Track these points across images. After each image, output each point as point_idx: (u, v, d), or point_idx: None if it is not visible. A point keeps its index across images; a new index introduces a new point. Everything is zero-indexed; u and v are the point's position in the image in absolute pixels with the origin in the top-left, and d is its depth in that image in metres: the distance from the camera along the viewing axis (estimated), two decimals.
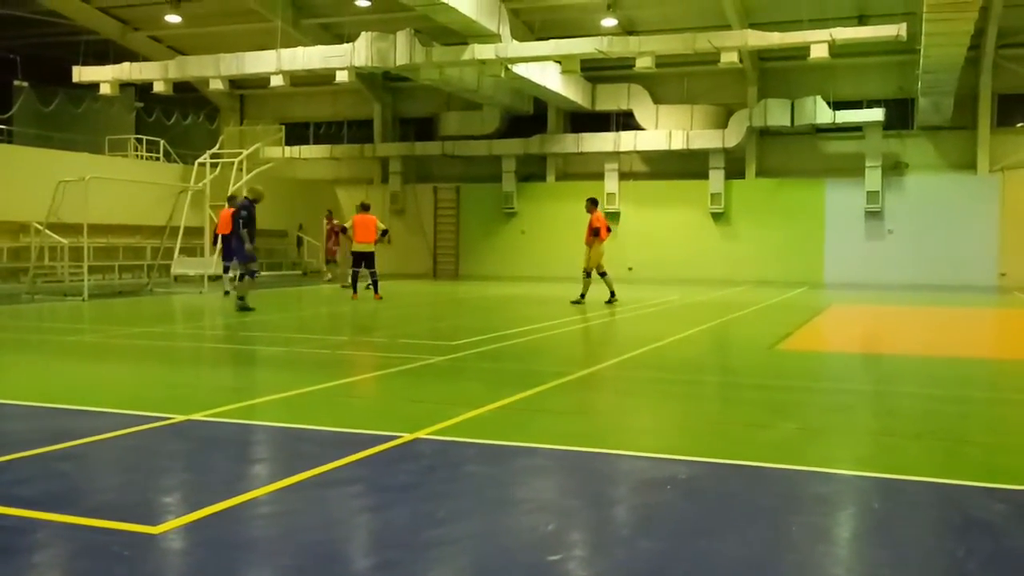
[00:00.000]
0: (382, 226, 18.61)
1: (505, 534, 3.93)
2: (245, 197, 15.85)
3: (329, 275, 25.45)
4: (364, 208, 18.77)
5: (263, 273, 26.76)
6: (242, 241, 15.17)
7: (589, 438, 5.87)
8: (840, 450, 5.66)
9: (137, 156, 28.24)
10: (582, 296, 17.15)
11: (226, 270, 19.58)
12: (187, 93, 29.98)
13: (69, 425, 5.98)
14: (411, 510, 4.15)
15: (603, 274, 17.18)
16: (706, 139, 28.66)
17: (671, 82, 29.51)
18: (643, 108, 29.51)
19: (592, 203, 17.43)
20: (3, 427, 6.23)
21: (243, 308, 14.99)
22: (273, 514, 4.19)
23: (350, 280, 19.24)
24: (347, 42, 22.76)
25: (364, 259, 18.53)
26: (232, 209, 17.85)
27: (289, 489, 4.49)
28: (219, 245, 20.42)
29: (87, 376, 8.66)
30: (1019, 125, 27.38)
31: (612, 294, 17.08)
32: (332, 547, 3.75)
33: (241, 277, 15.78)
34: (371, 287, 18.26)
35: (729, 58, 21.00)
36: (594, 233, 16.98)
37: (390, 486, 4.60)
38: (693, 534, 3.92)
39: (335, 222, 25.11)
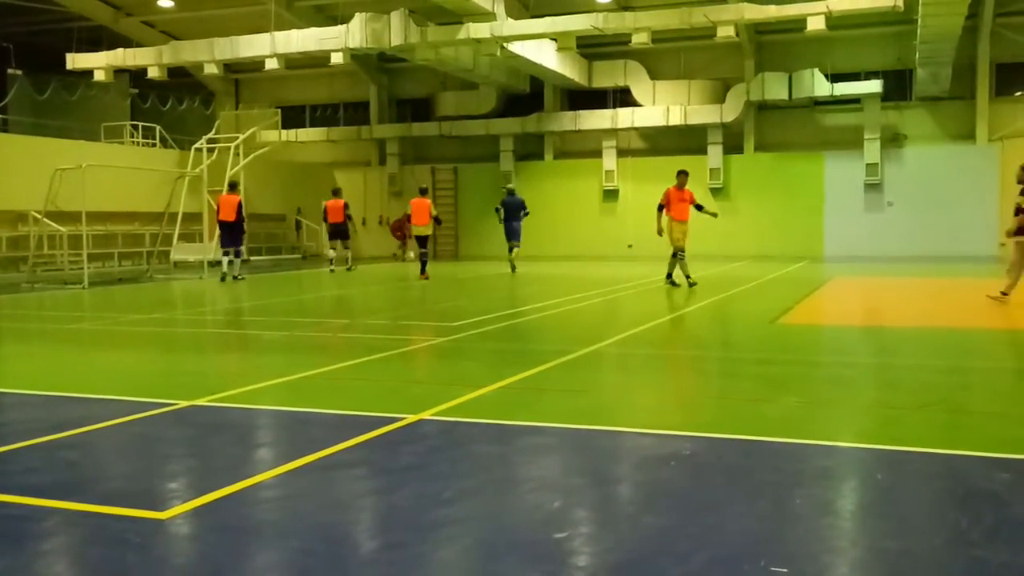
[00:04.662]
0: (434, 211, 19.90)
1: (511, 513, 3.95)
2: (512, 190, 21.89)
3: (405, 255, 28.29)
4: (422, 192, 20.27)
5: (261, 257, 26.85)
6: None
7: (592, 416, 5.89)
8: (842, 423, 5.68)
9: (133, 143, 28.11)
10: (669, 276, 15.95)
11: (225, 255, 19.66)
12: (182, 78, 29.81)
13: (74, 413, 6.00)
14: (416, 491, 4.16)
15: (674, 254, 15.79)
16: (704, 114, 28.54)
17: (668, 57, 29.35)
18: (640, 84, 29.37)
19: (677, 175, 16.17)
20: (8, 416, 6.25)
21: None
22: (279, 497, 4.21)
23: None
24: (341, 23, 22.62)
25: (421, 241, 19.99)
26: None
27: (295, 472, 4.51)
28: (218, 231, 20.41)
29: (90, 364, 8.67)
30: (1018, 94, 27.25)
31: (669, 275, 15.97)
32: (339, 529, 3.77)
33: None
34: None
35: (725, 32, 20.87)
36: (659, 208, 15.82)
37: (395, 467, 4.61)
38: (698, 509, 3.94)
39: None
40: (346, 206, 22.78)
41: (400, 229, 28.63)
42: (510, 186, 23.36)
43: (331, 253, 22.89)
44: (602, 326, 11.52)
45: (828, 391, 6.72)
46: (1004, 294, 12.22)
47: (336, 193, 23.32)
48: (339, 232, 22.73)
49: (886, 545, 3.49)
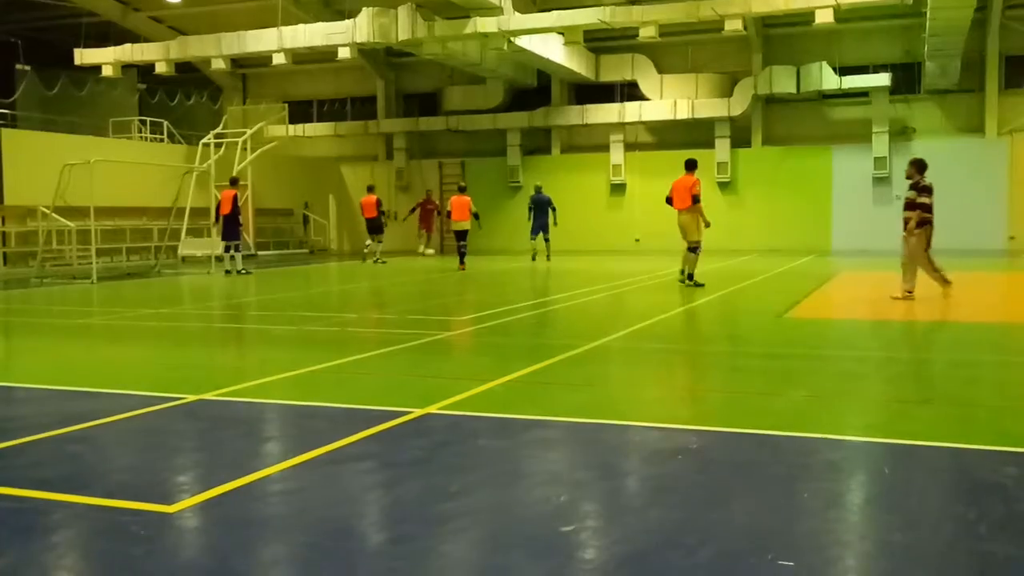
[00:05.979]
0: (474, 208, 21.51)
1: (517, 506, 3.96)
2: (539, 188, 23.53)
3: (425, 250, 28.66)
4: (461, 190, 22.12)
5: (269, 252, 26.91)
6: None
7: (599, 409, 5.88)
8: (850, 417, 5.67)
9: (141, 138, 28.18)
10: (689, 275, 14.79)
11: (227, 250, 19.91)
12: (189, 73, 29.85)
13: (82, 407, 6.02)
14: (423, 484, 4.17)
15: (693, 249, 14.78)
16: (711, 108, 28.46)
17: (675, 51, 29.26)
18: (647, 78, 29.29)
19: (686, 165, 14.93)
20: (17, 410, 6.28)
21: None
22: (286, 491, 4.22)
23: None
24: (348, 18, 22.61)
25: (461, 235, 21.26)
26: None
27: (302, 466, 4.52)
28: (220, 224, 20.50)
29: (98, 358, 8.70)
30: None
31: (686, 273, 14.88)
32: (346, 523, 3.78)
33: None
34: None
35: (733, 25, 20.80)
36: (694, 200, 14.59)
37: (402, 461, 4.62)
38: (705, 503, 3.94)
39: (436, 203, 28.88)
40: (379, 202, 24.11)
41: (424, 221, 28.81)
42: (538, 184, 24.38)
43: (377, 247, 23.81)
44: (609, 320, 11.51)
45: (836, 385, 6.70)
46: (909, 293, 12.06)
47: (371, 190, 24.59)
48: (375, 227, 23.91)
49: (893, 538, 3.49)
